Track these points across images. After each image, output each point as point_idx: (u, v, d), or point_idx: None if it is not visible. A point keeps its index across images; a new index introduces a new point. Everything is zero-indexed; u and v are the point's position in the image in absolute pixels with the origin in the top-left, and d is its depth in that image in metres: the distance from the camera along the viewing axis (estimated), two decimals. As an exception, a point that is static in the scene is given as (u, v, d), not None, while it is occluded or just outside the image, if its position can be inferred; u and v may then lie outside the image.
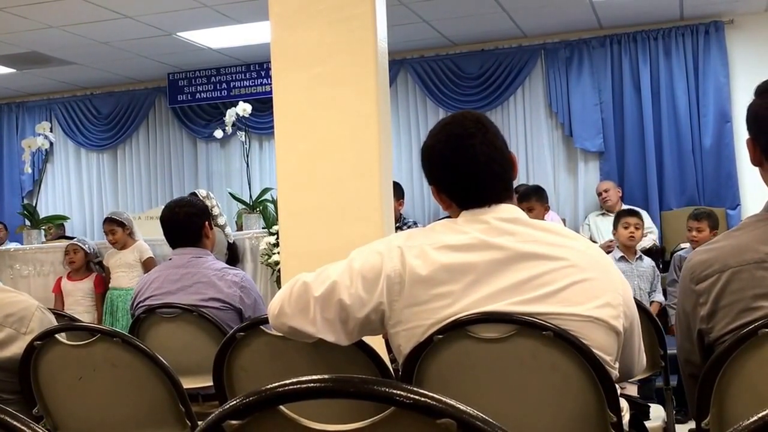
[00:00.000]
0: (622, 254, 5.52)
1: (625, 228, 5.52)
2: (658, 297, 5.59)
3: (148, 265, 6.15)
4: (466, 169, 1.86)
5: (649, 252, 7.37)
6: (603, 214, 7.73)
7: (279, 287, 2.07)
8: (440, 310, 1.74)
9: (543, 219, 5.27)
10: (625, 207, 6.74)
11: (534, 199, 5.64)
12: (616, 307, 1.77)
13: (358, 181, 3.54)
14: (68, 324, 2.51)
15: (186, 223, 3.53)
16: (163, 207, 3.78)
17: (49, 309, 2.38)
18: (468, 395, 1.70)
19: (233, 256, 5.96)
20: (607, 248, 6.57)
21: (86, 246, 6.56)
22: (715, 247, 1.82)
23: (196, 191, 6.14)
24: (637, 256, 5.61)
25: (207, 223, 3.60)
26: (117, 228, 6.34)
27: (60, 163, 10.52)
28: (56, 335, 2.21)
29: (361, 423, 1.07)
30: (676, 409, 3.09)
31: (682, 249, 6.04)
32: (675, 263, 5.86)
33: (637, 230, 5.55)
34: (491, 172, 1.87)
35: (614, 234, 5.73)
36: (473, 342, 1.73)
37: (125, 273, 6.28)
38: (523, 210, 1.92)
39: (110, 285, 6.40)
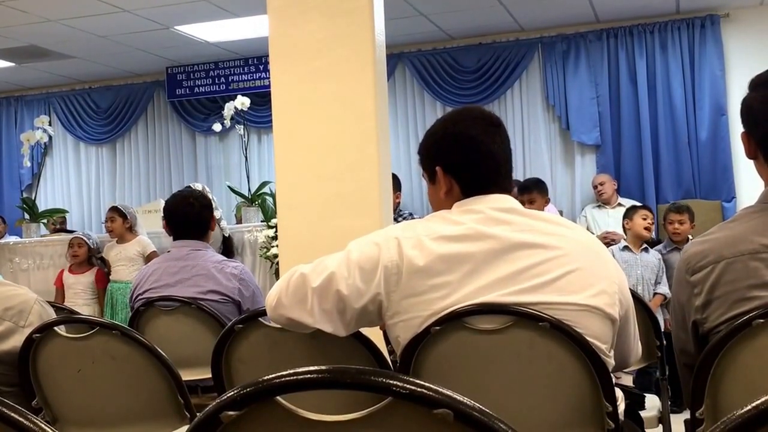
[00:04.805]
0: (626, 245, 5.48)
1: None
2: (662, 289, 5.49)
3: (151, 260, 6.14)
4: (493, 149, 1.90)
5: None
6: (599, 207, 7.76)
7: (277, 279, 2.06)
8: (437, 301, 1.75)
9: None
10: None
11: (535, 192, 5.68)
12: (612, 295, 1.78)
13: (357, 174, 3.55)
14: (67, 316, 2.51)
15: (199, 216, 3.53)
16: (161, 200, 3.78)
17: (49, 302, 2.39)
18: (465, 386, 1.71)
19: (228, 250, 5.96)
20: (605, 240, 6.57)
21: (90, 240, 6.55)
22: (710, 239, 1.82)
23: (191, 185, 6.14)
24: (643, 247, 5.56)
25: (213, 216, 3.62)
26: (117, 217, 6.31)
27: (59, 156, 10.51)
28: (55, 328, 2.22)
29: (359, 413, 1.07)
30: (671, 399, 3.10)
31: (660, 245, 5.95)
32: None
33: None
34: (508, 162, 1.93)
35: None
36: (470, 333, 1.73)
37: (125, 266, 6.25)
38: (524, 202, 1.93)
39: (110, 278, 6.38)
